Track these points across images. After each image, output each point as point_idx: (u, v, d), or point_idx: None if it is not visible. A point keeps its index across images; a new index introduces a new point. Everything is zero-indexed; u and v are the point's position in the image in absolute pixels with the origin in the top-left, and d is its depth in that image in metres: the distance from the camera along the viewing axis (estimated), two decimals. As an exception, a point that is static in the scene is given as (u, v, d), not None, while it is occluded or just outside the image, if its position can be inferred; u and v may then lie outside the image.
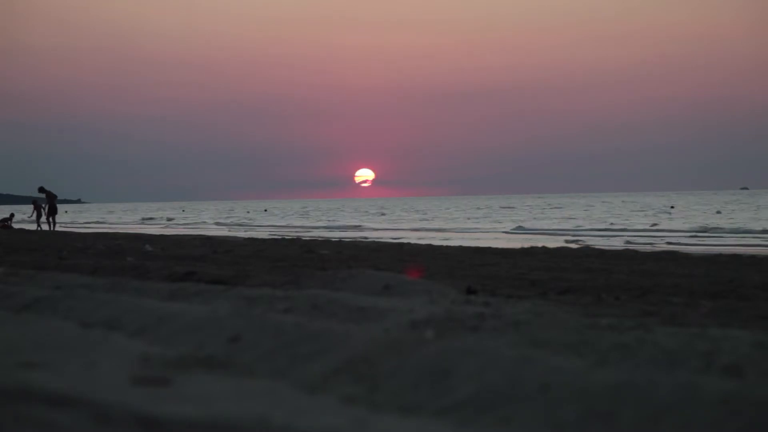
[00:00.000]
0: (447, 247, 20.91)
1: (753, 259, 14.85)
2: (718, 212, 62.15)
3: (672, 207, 78.19)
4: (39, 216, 39.45)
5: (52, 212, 38.51)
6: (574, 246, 22.54)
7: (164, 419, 2.45)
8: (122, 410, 2.49)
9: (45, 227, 38.38)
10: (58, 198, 39.53)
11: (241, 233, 39.92)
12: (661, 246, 26.14)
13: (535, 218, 60.74)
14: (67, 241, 23.42)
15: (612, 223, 48.24)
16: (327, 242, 23.33)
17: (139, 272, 10.53)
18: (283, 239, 26.17)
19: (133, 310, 5.39)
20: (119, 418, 2.39)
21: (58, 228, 38.89)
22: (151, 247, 18.15)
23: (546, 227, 46.45)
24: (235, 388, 3.25)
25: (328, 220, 64.40)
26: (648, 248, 22.83)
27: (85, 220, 75.82)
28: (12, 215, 40.97)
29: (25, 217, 40.11)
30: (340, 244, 22.24)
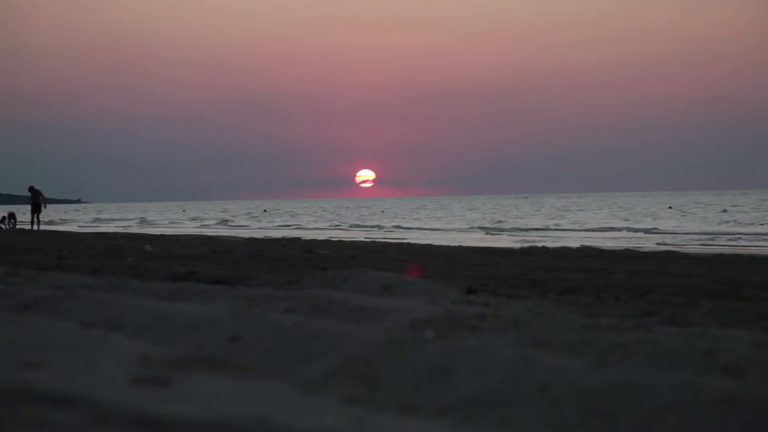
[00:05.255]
0: (447, 247, 20.92)
1: (753, 258, 14.86)
2: (725, 211, 61.98)
3: (670, 207, 78.28)
4: (34, 214, 39.39)
5: (35, 210, 38.68)
6: (574, 246, 22.57)
7: (164, 419, 2.45)
8: (122, 410, 2.49)
9: (28, 226, 38.47)
10: (50, 198, 39.60)
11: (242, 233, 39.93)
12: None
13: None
14: (67, 241, 23.42)
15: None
16: (327, 242, 23.36)
17: (139, 272, 10.53)
18: (283, 239, 26.18)
19: (133, 310, 5.39)
20: (119, 418, 2.39)
21: (21, 227, 38.81)
22: (152, 247, 18.15)
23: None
24: (235, 388, 3.25)
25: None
26: (647, 248, 22.83)
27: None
28: None
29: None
30: (340, 244, 22.27)
